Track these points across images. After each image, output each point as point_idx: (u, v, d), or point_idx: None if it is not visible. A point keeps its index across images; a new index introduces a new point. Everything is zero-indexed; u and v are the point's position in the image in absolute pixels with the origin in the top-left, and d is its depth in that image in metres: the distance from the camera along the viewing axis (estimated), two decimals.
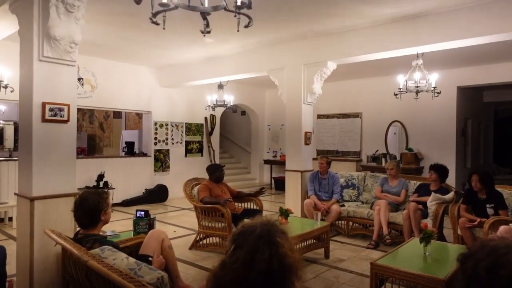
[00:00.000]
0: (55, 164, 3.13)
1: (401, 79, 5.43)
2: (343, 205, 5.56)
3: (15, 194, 3.27)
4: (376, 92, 8.88)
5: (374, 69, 7.92)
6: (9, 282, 2.92)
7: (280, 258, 1.26)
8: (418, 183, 5.43)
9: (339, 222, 5.55)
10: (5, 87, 4.82)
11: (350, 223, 5.47)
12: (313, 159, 6.54)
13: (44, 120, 3.06)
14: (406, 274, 2.79)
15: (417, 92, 5.37)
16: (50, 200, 3.07)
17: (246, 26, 2.03)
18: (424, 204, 4.91)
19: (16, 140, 10.64)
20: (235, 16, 1.93)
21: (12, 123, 10.57)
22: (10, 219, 5.92)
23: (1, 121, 10.31)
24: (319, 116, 9.75)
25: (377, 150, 8.76)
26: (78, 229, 2.48)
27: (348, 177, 6.14)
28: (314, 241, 4.39)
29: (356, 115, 9.29)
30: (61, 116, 3.15)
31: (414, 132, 8.43)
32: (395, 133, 8.96)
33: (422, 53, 5.27)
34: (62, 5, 3.01)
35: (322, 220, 4.73)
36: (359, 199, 5.95)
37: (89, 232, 2.31)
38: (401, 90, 5.41)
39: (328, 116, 9.74)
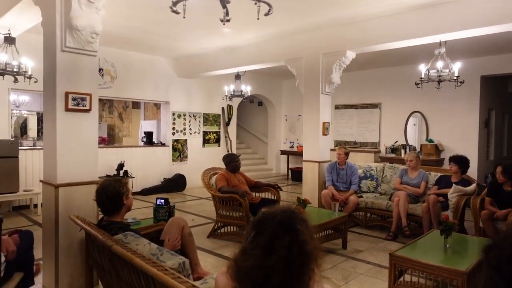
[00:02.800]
0: (78, 153, 3.20)
1: (422, 68, 5.30)
2: (361, 196, 5.52)
3: (40, 181, 3.37)
4: (396, 82, 8.71)
5: (394, 58, 7.75)
6: (36, 266, 3.03)
7: (300, 245, 1.27)
8: (439, 174, 5.33)
9: (357, 213, 5.51)
10: (29, 77, 4.93)
11: (368, 214, 5.43)
12: (331, 150, 6.49)
13: (67, 109, 3.13)
14: (426, 266, 2.76)
15: (439, 82, 5.24)
16: (74, 187, 3.15)
17: (266, 14, 2.02)
18: (445, 196, 4.83)
19: (39, 130, 10.95)
20: (255, 3, 1.91)
21: (35, 113, 10.86)
22: (36, 205, 6.12)
23: (25, 111, 10.60)
24: (337, 107, 9.65)
25: (396, 141, 8.62)
26: (101, 216, 2.55)
27: (367, 168, 6.07)
28: (332, 231, 4.39)
29: (375, 106, 9.14)
30: (83, 106, 3.21)
31: (435, 123, 8.25)
32: (414, 124, 8.80)
33: (445, 41, 5.11)
34: None
35: (339, 210, 4.72)
36: (377, 190, 5.89)
37: (113, 219, 2.37)
38: (423, 79, 5.28)
39: (346, 107, 9.63)
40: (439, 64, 5.17)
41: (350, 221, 5.17)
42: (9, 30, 4.73)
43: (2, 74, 4.82)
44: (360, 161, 7.39)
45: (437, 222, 4.52)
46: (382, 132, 9.05)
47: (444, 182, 5.03)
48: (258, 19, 2.05)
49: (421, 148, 8.12)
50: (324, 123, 5.99)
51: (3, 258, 2.18)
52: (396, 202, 4.95)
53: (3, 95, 6.12)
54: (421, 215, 4.79)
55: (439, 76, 5.17)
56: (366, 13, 5.07)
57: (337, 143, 9.47)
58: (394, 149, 8.55)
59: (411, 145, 8.46)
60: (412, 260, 2.85)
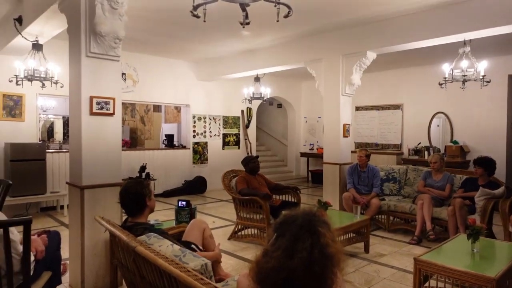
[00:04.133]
0: (102, 155, 3.28)
1: (446, 68, 5.17)
2: (384, 199, 5.42)
3: (66, 183, 3.47)
4: (419, 82, 8.52)
5: (416, 58, 7.59)
6: (63, 265, 3.12)
7: (321, 247, 1.26)
8: (464, 177, 5.18)
9: (379, 216, 5.41)
10: (56, 83, 5.10)
11: (391, 218, 5.32)
12: (352, 151, 6.40)
13: (91, 113, 3.21)
14: (453, 271, 2.67)
15: (464, 82, 5.10)
16: (99, 189, 3.23)
17: (286, 16, 2.02)
18: (471, 199, 4.68)
19: (65, 133, 11.29)
20: (275, 6, 1.92)
21: (61, 117, 11.20)
22: (62, 207, 6.31)
23: (52, 116, 10.94)
24: (357, 108, 9.53)
25: (419, 143, 8.43)
26: (125, 217, 2.60)
27: (389, 170, 5.96)
28: (354, 234, 4.32)
29: (396, 107, 8.97)
30: (107, 110, 3.29)
31: (460, 124, 8.02)
32: (438, 125, 8.58)
33: (470, 40, 4.97)
34: (106, 2, 3.13)
35: (361, 213, 4.64)
36: (400, 193, 5.77)
37: (138, 221, 2.41)
38: (447, 79, 5.15)
39: (367, 108, 9.49)
40: (464, 63, 5.03)
41: (372, 224, 5.09)
42: (36, 37, 4.90)
43: (31, 80, 4.99)
44: (382, 163, 7.27)
45: (464, 226, 4.39)
46: (404, 133, 8.87)
47: (470, 184, 4.88)
48: (277, 21, 2.05)
49: (445, 150, 7.90)
50: (344, 124, 5.92)
51: (32, 258, 2.25)
52: (420, 205, 4.83)
53: (31, 100, 6.34)
54: (446, 218, 4.66)
55: (464, 75, 5.03)
56: (386, 13, 4.99)
57: (358, 145, 9.35)
58: (417, 151, 8.36)
59: (435, 147, 8.25)
60: (438, 265, 2.77)
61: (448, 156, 7.59)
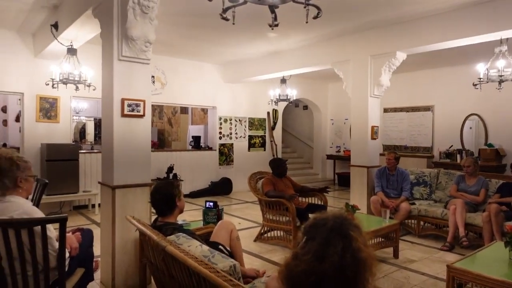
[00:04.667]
0: (133, 156, 3.36)
1: (481, 68, 4.98)
2: (413, 203, 5.27)
3: (99, 182, 3.58)
4: (451, 83, 8.25)
5: (448, 58, 7.35)
6: (95, 263, 3.22)
7: (353, 252, 1.23)
8: (501, 182, 4.95)
9: (409, 221, 5.27)
10: (89, 85, 5.28)
11: (421, 223, 5.17)
12: (380, 154, 6.27)
13: (123, 115, 3.30)
14: (489, 280, 2.56)
15: (500, 82, 4.89)
16: (129, 189, 3.31)
17: (315, 17, 2.00)
18: (508, 205, 4.47)
19: (96, 135, 11.67)
20: (305, 7, 1.90)
21: (92, 119, 11.59)
22: (93, 205, 6.52)
23: (84, 117, 11.34)
24: (386, 110, 9.32)
25: (451, 145, 8.15)
26: (155, 217, 2.65)
27: (419, 174, 5.79)
28: (382, 239, 4.23)
29: (427, 108, 8.71)
30: (137, 111, 3.37)
31: (495, 126, 7.68)
32: (471, 127, 8.26)
33: (507, 39, 4.76)
34: (138, 7, 3.21)
35: (390, 218, 4.53)
36: (431, 198, 5.59)
37: (167, 220, 2.46)
38: (482, 80, 4.96)
39: (396, 110, 9.27)
40: (500, 63, 4.82)
41: (401, 229, 4.95)
42: (71, 42, 5.10)
43: (65, 83, 5.20)
44: (411, 166, 7.06)
45: (500, 233, 4.20)
46: (435, 136, 8.59)
47: (507, 190, 4.67)
48: (306, 22, 2.03)
49: (479, 153, 7.59)
50: (372, 126, 5.81)
51: (67, 254, 2.33)
52: (452, 210, 4.66)
53: (66, 103, 6.60)
54: (481, 225, 4.47)
55: (501, 76, 4.83)
56: (417, 12, 4.87)
57: (386, 148, 9.14)
58: (449, 154, 8.08)
59: (468, 150, 7.95)
60: (473, 273, 2.65)
61: (482, 159, 7.29)
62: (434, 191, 5.62)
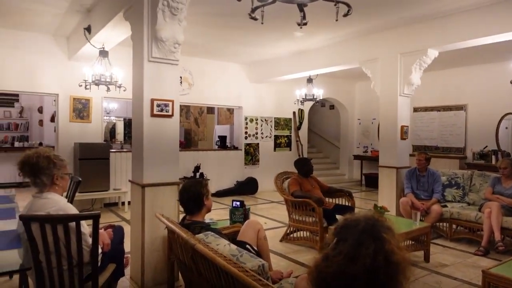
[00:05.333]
0: (161, 155, 3.43)
1: None
2: (445, 206, 5.09)
3: (129, 181, 3.67)
4: (485, 81, 7.92)
5: (483, 55, 7.06)
6: (126, 259, 3.30)
7: (386, 254, 1.20)
8: None
9: (441, 224, 5.10)
10: (119, 86, 5.44)
11: (454, 226, 4.98)
12: (410, 155, 6.10)
13: (152, 115, 3.37)
14: None
15: None
16: (158, 187, 3.38)
17: (345, 15, 1.97)
18: None
19: (125, 134, 11.99)
20: (335, 5, 1.88)
21: (122, 119, 11.92)
22: (123, 203, 6.70)
23: (114, 117, 11.68)
24: (415, 109, 9.06)
25: (486, 146, 7.82)
26: (183, 215, 2.69)
27: (451, 175, 5.59)
28: (413, 242, 4.11)
29: (459, 107, 8.40)
30: (166, 112, 3.44)
31: None
32: (507, 127, 7.90)
33: None
34: (167, 9, 3.27)
35: (421, 220, 4.40)
36: (464, 200, 5.38)
37: (196, 219, 2.49)
38: None
39: (426, 109, 9.00)
40: None
41: (432, 232, 4.80)
42: (103, 45, 5.26)
43: (98, 84, 5.37)
44: (443, 167, 6.83)
45: None
46: (468, 136, 8.27)
47: None
48: (336, 20, 2.00)
49: None
50: (402, 126, 5.66)
51: (100, 250, 2.41)
52: (487, 213, 4.47)
53: (97, 103, 6.82)
54: None
55: None
56: (449, 8, 4.70)
57: (416, 148, 8.89)
58: (483, 155, 7.76)
59: (504, 151, 7.61)
60: (511, 280, 2.54)
61: None
62: (468, 194, 5.41)
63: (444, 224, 5.06)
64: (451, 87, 8.52)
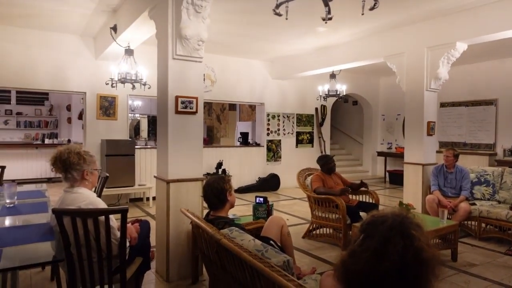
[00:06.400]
0: (186, 151, 3.48)
1: None
2: (474, 204, 4.94)
3: (154, 177, 3.74)
4: None
5: None
6: (151, 253, 3.38)
7: (415, 251, 1.18)
8: None
9: (469, 222, 4.95)
10: (144, 84, 5.54)
11: (483, 225, 4.83)
12: (436, 151, 5.94)
13: (177, 112, 3.42)
14: None
15: None
16: (182, 183, 3.44)
17: (372, 9, 1.93)
18: None
19: (149, 131, 12.24)
20: None
21: (146, 116, 12.17)
22: (148, 199, 6.84)
23: (138, 115, 11.94)
24: (442, 104, 8.81)
25: None
26: (207, 211, 2.73)
27: (481, 172, 5.41)
28: (440, 241, 4.01)
29: (489, 102, 8.10)
30: (190, 108, 3.48)
31: None
32: None
33: None
34: (191, 7, 3.30)
35: (448, 219, 4.29)
36: (494, 198, 5.20)
37: (219, 215, 2.52)
38: None
39: (454, 104, 8.73)
40: None
41: (460, 231, 4.66)
42: (128, 43, 5.37)
43: (123, 82, 5.49)
44: (471, 164, 6.62)
45: None
46: (499, 132, 7.98)
47: None
48: (362, 14, 1.97)
49: None
50: (429, 122, 5.52)
51: (127, 243, 2.47)
52: None
53: (123, 101, 6.98)
54: None
55: None
56: None
57: (443, 144, 8.65)
58: None
59: None
60: None
61: None
62: (498, 191, 5.23)
63: (473, 222, 4.92)
64: (481, 81, 8.23)
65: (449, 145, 8.45)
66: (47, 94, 10.98)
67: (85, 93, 6.68)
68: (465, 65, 8.07)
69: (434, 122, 5.62)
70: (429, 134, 5.53)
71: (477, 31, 4.86)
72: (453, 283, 3.46)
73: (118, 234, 2.35)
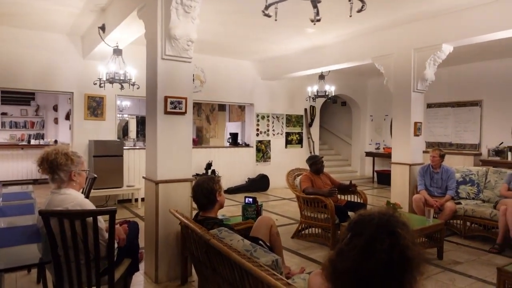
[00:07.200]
0: (175, 152, 3.47)
1: None
2: (459, 203, 5.03)
3: (143, 177, 3.72)
4: (501, 77, 7.78)
5: (499, 50, 6.93)
6: (140, 254, 3.36)
7: (401, 249, 1.20)
8: None
9: (454, 221, 5.05)
10: (133, 84, 5.50)
11: (468, 223, 4.93)
12: (423, 152, 6.03)
13: (166, 112, 3.41)
14: None
15: None
16: (171, 184, 3.43)
17: (359, 11, 1.96)
18: None
19: (138, 132, 12.13)
20: (349, 0, 1.88)
21: (135, 116, 12.06)
22: (136, 200, 6.79)
23: (126, 115, 11.82)
24: (429, 105, 8.95)
25: (502, 142, 7.68)
26: (196, 211, 2.73)
27: (466, 172, 5.52)
28: (426, 239, 4.08)
29: (474, 103, 8.27)
30: (179, 109, 3.47)
31: None
32: None
33: None
34: (181, 7, 3.29)
35: (434, 217, 4.36)
36: (479, 197, 5.31)
37: (209, 215, 2.52)
38: None
39: (440, 105, 8.88)
40: None
41: (446, 229, 4.75)
42: (117, 43, 5.33)
43: (112, 82, 5.44)
44: (457, 164, 6.75)
45: None
46: (483, 132, 8.14)
47: None
48: (350, 16, 2.00)
49: None
50: (415, 122, 5.60)
51: (115, 245, 2.46)
52: (503, 211, 4.40)
53: (111, 101, 6.91)
54: None
55: None
56: (464, 2, 4.62)
57: (430, 145, 8.79)
58: (498, 152, 7.63)
59: None
60: None
61: None
62: (482, 191, 5.34)
63: (458, 221, 5.01)
64: (466, 82, 8.39)
65: (435, 145, 8.60)
66: (33, 94, 10.80)
67: (72, 93, 6.60)
68: (451, 67, 8.22)
69: (421, 122, 5.71)
70: (416, 135, 5.62)
71: (462, 34, 4.96)
72: (438, 281, 3.52)
73: (106, 235, 2.33)
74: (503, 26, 4.49)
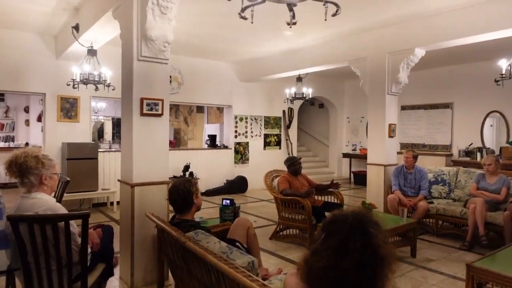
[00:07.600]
0: (151, 154, 3.42)
1: (503, 64, 4.86)
2: (432, 202, 5.19)
3: (118, 180, 3.65)
4: (471, 80, 8.08)
5: (469, 54, 7.20)
6: (115, 258, 3.29)
7: (373, 249, 1.23)
8: None
9: (427, 220, 5.20)
10: (108, 85, 5.40)
11: (440, 222, 5.09)
12: (397, 153, 6.19)
13: (142, 114, 3.36)
14: (510, 280, 2.51)
15: None
16: (147, 187, 3.38)
17: (334, 15, 2.00)
18: None
19: (114, 134, 11.88)
20: (324, 4, 1.91)
21: (110, 118, 11.80)
22: (112, 203, 6.65)
23: (102, 117, 11.56)
24: (403, 108, 9.19)
25: (471, 143, 7.98)
26: (173, 214, 2.70)
27: (438, 172, 5.70)
28: (400, 238, 4.18)
29: (446, 106, 8.56)
30: (156, 111, 3.43)
31: None
32: (491, 125, 8.09)
33: None
34: (157, 8, 3.26)
35: (408, 217, 4.48)
36: (450, 196, 5.49)
37: (185, 218, 2.50)
38: (504, 76, 4.84)
39: (413, 107, 9.14)
40: None
41: (419, 228, 4.88)
42: (91, 44, 5.21)
43: (86, 83, 5.32)
44: (430, 164, 6.95)
45: None
46: (454, 134, 8.43)
47: None
48: (325, 20, 2.03)
49: (500, 151, 7.42)
50: (390, 124, 5.75)
51: (89, 250, 2.40)
52: (472, 209, 4.57)
53: (86, 103, 6.75)
54: (502, 224, 4.37)
55: None
56: (436, 7, 4.78)
57: (404, 146, 9.02)
58: (468, 152, 7.92)
59: (489, 148, 7.77)
60: (494, 272, 2.61)
61: (504, 158, 7.12)
62: (453, 190, 5.52)
63: (431, 220, 5.17)
64: (438, 85, 8.67)
65: (409, 146, 8.84)
66: (2, 95, 10.40)
67: (44, 94, 6.40)
68: (423, 70, 8.47)
69: (395, 124, 5.86)
70: (390, 136, 5.76)
71: (434, 38, 5.12)
72: (412, 278, 3.62)
73: (79, 240, 2.28)
74: (473, 31, 4.68)
